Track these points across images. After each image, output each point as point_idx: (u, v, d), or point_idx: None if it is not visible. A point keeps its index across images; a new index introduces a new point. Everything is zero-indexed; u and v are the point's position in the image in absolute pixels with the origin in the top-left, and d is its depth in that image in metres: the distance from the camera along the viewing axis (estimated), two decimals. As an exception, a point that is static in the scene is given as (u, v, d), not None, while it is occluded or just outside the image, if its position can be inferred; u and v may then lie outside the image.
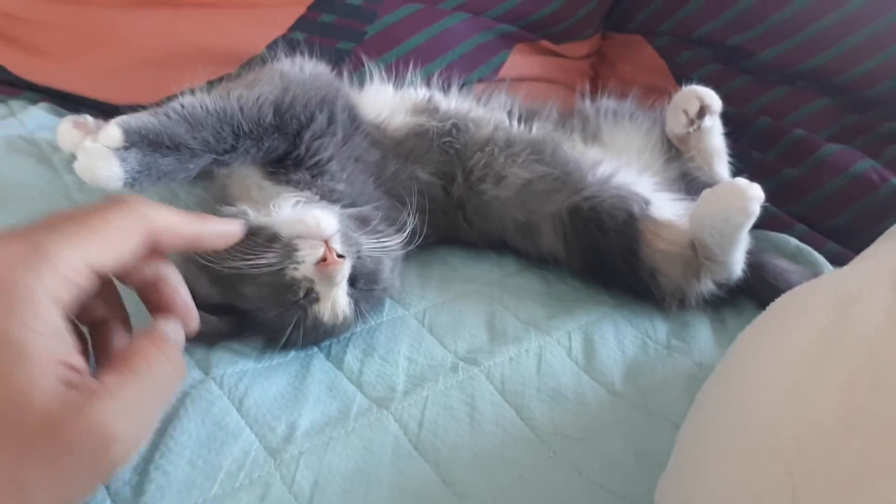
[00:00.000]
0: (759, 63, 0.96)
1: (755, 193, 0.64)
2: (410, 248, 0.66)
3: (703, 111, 0.79)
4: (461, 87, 0.84)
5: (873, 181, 0.84)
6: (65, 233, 0.39)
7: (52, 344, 0.36)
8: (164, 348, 0.42)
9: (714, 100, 0.79)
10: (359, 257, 0.60)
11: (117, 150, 0.53)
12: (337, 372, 0.58)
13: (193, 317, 0.49)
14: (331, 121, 0.67)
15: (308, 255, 0.56)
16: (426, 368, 0.60)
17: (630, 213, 0.70)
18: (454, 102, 0.80)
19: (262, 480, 0.48)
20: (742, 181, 0.65)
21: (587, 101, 0.87)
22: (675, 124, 0.80)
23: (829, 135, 0.92)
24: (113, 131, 0.54)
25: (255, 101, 0.62)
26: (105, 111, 0.88)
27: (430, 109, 0.77)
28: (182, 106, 0.59)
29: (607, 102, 0.86)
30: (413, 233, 0.65)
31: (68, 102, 0.89)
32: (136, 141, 0.54)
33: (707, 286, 0.71)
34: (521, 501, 0.50)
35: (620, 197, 0.71)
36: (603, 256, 0.72)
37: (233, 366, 0.56)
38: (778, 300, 0.47)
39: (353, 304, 0.59)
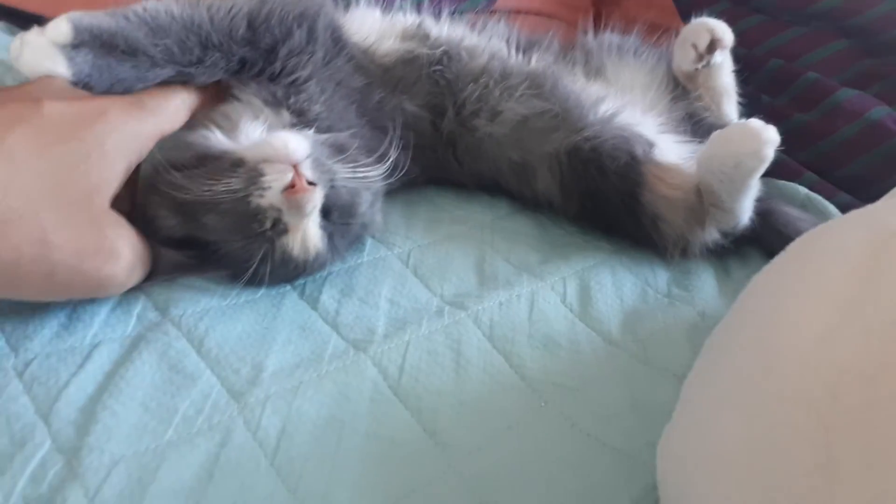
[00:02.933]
0: (771, 2, 0.90)
1: (770, 136, 0.59)
2: (393, 181, 0.60)
3: (713, 45, 0.73)
4: (454, 13, 0.77)
5: (889, 128, 0.79)
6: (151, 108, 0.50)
7: (112, 181, 0.46)
8: None
9: (726, 33, 0.73)
10: (332, 187, 0.54)
11: (65, 46, 0.48)
12: (311, 312, 0.54)
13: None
14: (310, 38, 0.60)
15: (275, 181, 0.51)
16: (409, 311, 0.56)
17: (633, 156, 0.65)
18: (446, 29, 0.74)
19: (222, 425, 0.44)
20: (756, 122, 0.60)
21: (590, 35, 0.81)
22: (684, 60, 0.75)
23: (843, 79, 0.86)
24: (62, 26, 0.48)
25: (227, 12, 0.56)
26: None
27: (419, 35, 0.71)
28: (144, 9, 0.53)
29: (611, 37, 0.80)
30: (396, 166, 0.60)
31: (26, 22, 0.82)
32: (86, 39, 0.48)
33: (712, 235, 0.66)
34: (508, 452, 0.46)
35: (623, 138, 0.66)
36: (601, 202, 0.68)
37: (194, 305, 0.52)
38: (799, 239, 0.43)
39: (326, 239, 0.54)
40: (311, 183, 0.51)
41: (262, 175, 0.51)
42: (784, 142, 0.83)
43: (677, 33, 0.78)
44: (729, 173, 0.61)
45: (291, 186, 0.51)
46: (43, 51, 0.47)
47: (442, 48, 0.70)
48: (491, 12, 0.90)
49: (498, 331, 0.55)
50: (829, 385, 0.30)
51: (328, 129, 0.58)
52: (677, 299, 0.63)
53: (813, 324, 0.33)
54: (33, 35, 0.48)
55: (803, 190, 0.77)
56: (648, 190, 0.65)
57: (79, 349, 0.46)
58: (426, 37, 0.71)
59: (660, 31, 0.83)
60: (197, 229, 0.52)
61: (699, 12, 0.82)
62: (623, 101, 0.73)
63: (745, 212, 0.65)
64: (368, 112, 0.64)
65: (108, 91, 0.50)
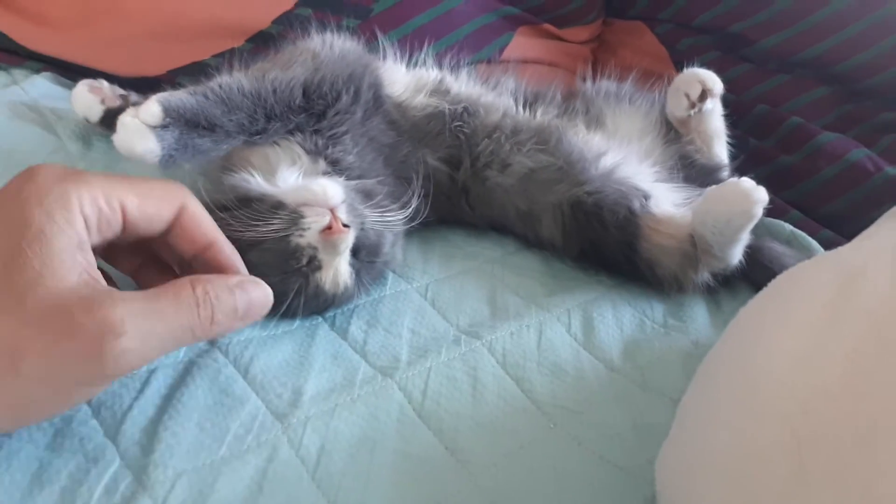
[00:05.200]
0: (758, 51, 0.97)
1: (760, 197, 0.65)
2: (413, 225, 0.66)
3: (704, 94, 0.79)
4: (467, 67, 0.84)
5: (868, 169, 0.85)
6: (108, 175, 0.43)
7: (74, 246, 0.39)
8: (198, 290, 0.42)
9: (716, 83, 0.79)
10: (362, 229, 0.60)
11: (155, 127, 0.55)
12: (341, 342, 0.59)
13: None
14: (355, 99, 0.68)
15: (314, 223, 0.57)
16: (429, 340, 0.61)
17: (630, 210, 0.71)
18: (464, 85, 0.81)
19: (269, 443, 0.49)
20: (747, 183, 0.66)
21: (588, 83, 0.87)
22: (677, 107, 0.81)
23: (825, 123, 0.93)
24: (154, 108, 0.55)
25: (286, 84, 0.64)
26: (108, 82, 0.87)
27: (441, 91, 0.78)
28: (220, 87, 0.60)
29: (608, 85, 0.87)
30: (416, 212, 0.66)
31: (71, 72, 0.88)
32: (174, 119, 0.56)
33: (704, 276, 0.72)
34: (521, 469, 0.51)
35: (621, 193, 0.72)
36: (601, 248, 0.74)
37: (238, 335, 0.57)
38: (780, 276, 0.48)
39: (354, 275, 0.60)
40: (345, 225, 0.57)
41: (302, 217, 0.57)
42: (770, 182, 0.90)
43: (670, 79, 0.84)
44: (721, 228, 0.67)
45: (328, 228, 0.56)
46: (137, 131, 0.54)
47: (462, 104, 0.77)
48: (500, 62, 0.96)
49: (510, 358, 0.60)
50: (802, 403, 0.35)
51: (358, 178, 0.65)
52: (673, 329, 0.69)
53: (788, 350, 0.39)
54: (128, 117, 0.55)
55: (788, 227, 0.83)
56: (644, 240, 0.71)
57: (138, 375, 0.51)
58: (447, 92, 0.77)
59: (653, 78, 0.89)
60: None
61: (691, 61, 0.89)
62: (621, 153, 0.79)
63: (736, 258, 0.71)
64: (395, 164, 0.71)
65: (189, 161, 0.57)
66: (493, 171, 0.76)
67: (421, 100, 0.76)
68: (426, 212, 0.68)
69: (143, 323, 0.39)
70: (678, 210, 0.75)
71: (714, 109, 0.82)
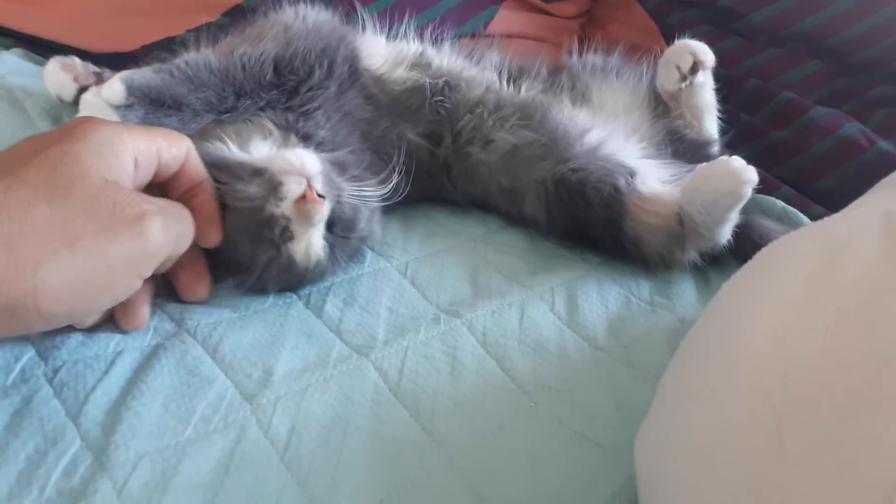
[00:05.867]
0: (749, 25, 0.95)
1: (749, 177, 0.63)
2: (393, 201, 0.64)
3: (696, 67, 0.77)
4: (451, 41, 0.82)
5: (861, 144, 0.84)
6: (142, 126, 0.50)
7: (121, 168, 0.46)
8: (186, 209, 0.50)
9: (707, 55, 0.77)
10: (338, 202, 0.58)
11: (119, 107, 0.53)
12: (316, 320, 0.57)
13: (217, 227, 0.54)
14: (328, 74, 0.65)
15: (290, 192, 0.55)
16: (407, 319, 0.59)
17: (615, 187, 0.69)
18: (446, 59, 0.78)
19: (237, 424, 0.47)
20: (737, 162, 0.64)
21: (574, 58, 0.85)
22: (667, 80, 0.79)
23: (818, 98, 0.91)
24: (116, 87, 0.53)
25: (256, 59, 0.62)
26: (81, 58, 0.85)
27: (422, 64, 0.75)
28: (186, 64, 0.58)
29: (594, 58, 0.85)
30: (395, 189, 0.64)
31: (42, 48, 0.86)
32: (138, 99, 0.54)
33: (692, 255, 0.70)
34: (500, 449, 0.50)
35: (606, 170, 0.70)
36: (586, 226, 0.72)
37: (207, 317, 0.55)
38: (764, 249, 0.47)
39: (328, 249, 0.58)
40: (320, 196, 0.55)
41: (281, 184, 0.55)
42: (761, 158, 0.89)
43: (658, 53, 0.82)
44: (709, 207, 0.66)
45: (303, 198, 0.54)
46: (100, 111, 0.53)
47: (444, 78, 0.74)
48: (484, 36, 0.94)
49: (490, 337, 0.59)
50: (781, 377, 0.34)
51: (331, 151, 0.63)
52: (659, 307, 0.67)
53: (769, 324, 0.37)
54: (90, 96, 0.54)
55: (780, 203, 0.81)
56: (630, 218, 0.69)
57: (103, 356, 0.50)
58: (428, 65, 0.75)
59: (641, 52, 0.87)
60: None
61: (681, 35, 0.87)
62: (607, 130, 0.77)
63: (724, 237, 0.69)
64: (372, 139, 0.69)
65: None
66: (476, 147, 0.74)
67: (401, 73, 0.73)
68: (406, 189, 0.66)
69: (163, 213, 0.46)
70: (665, 187, 0.73)
71: (705, 83, 0.80)
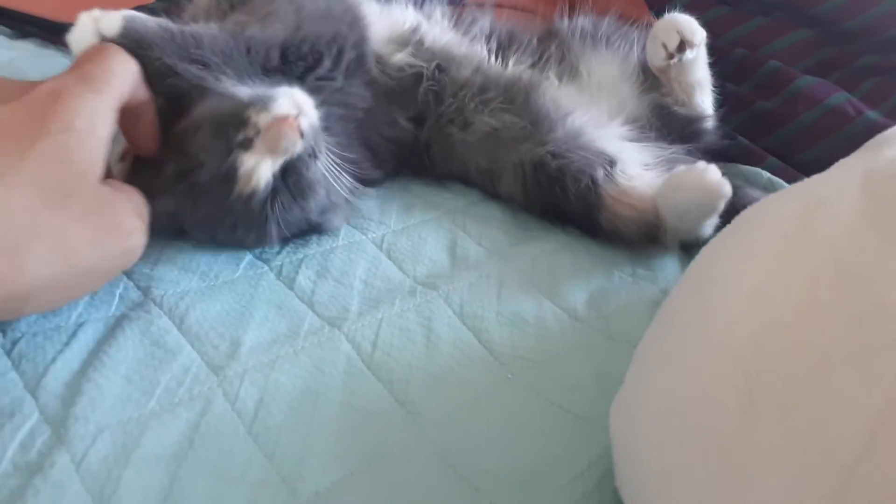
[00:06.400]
0: (736, -7, 0.93)
1: (723, 192, 0.62)
2: (353, 195, 0.64)
3: (683, 45, 0.75)
4: (441, 7, 0.79)
5: (848, 114, 0.82)
6: (105, 75, 0.47)
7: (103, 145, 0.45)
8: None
9: (695, 33, 0.74)
10: (309, 156, 0.56)
11: (105, 38, 0.52)
12: (287, 291, 0.56)
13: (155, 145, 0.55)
14: (336, 63, 0.64)
15: (278, 107, 0.53)
16: (382, 291, 0.58)
17: (593, 179, 0.68)
18: (438, 31, 0.76)
19: (202, 396, 0.46)
20: (710, 175, 0.63)
21: (564, 22, 0.83)
22: (654, 56, 0.77)
23: (805, 67, 0.89)
24: (115, 23, 0.52)
25: (263, 44, 0.60)
26: (48, 29, 0.83)
27: (415, 41, 0.73)
28: (191, 35, 0.56)
29: (584, 23, 0.82)
30: (368, 181, 0.64)
31: (8, 20, 0.84)
32: (128, 42, 0.52)
33: (672, 247, 0.69)
34: (475, 420, 0.49)
35: (586, 160, 0.69)
36: (562, 213, 0.70)
37: (175, 286, 0.54)
38: (744, 212, 0.45)
39: (268, 193, 0.55)
40: (300, 132, 0.54)
41: (271, 99, 0.54)
42: (747, 128, 0.87)
43: (649, 25, 0.80)
44: (681, 215, 0.65)
45: (284, 119, 0.53)
46: (88, 35, 0.52)
47: (436, 61, 0.72)
48: (470, 4, 0.92)
49: (468, 309, 0.58)
50: (753, 336, 0.33)
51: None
52: (641, 278, 0.66)
53: (743, 282, 0.36)
54: (87, 17, 0.52)
55: (765, 174, 0.80)
56: (606, 209, 0.68)
57: (64, 328, 0.48)
58: (421, 43, 0.73)
59: (631, 21, 0.85)
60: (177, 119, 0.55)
61: (666, 4, 0.84)
62: (591, 110, 0.75)
63: (705, 233, 0.67)
64: (364, 130, 0.67)
65: None
66: (455, 127, 0.73)
67: (399, 58, 0.71)
68: (380, 177, 0.67)
69: (144, 227, 0.48)
70: (647, 174, 0.71)
71: (696, 59, 0.77)
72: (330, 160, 0.59)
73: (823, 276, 0.33)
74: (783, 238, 0.37)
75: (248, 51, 0.59)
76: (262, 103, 0.54)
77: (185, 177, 0.54)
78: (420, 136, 0.73)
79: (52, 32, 0.83)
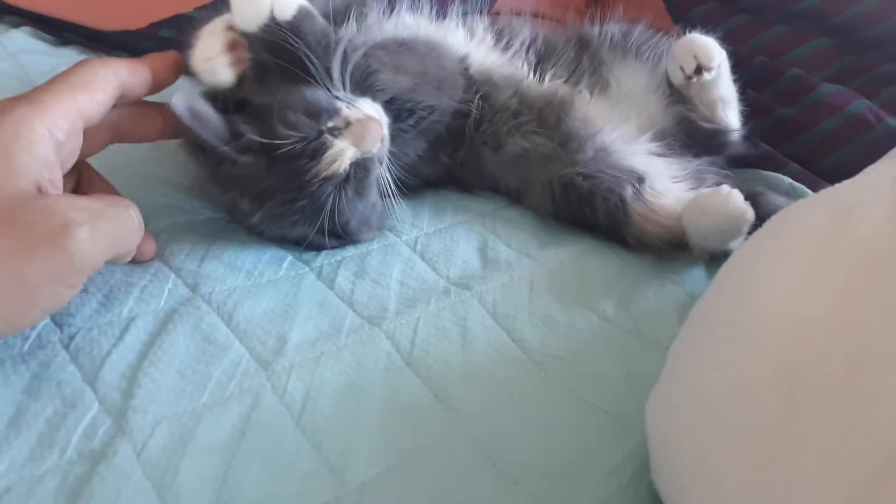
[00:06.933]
0: (757, 2, 0.95)
1: (746, 217, 0.64)
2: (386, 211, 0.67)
3: (699, 69, 0.74)
4: (482, 25, 0.80)
5: (869, 121, 0.83)
6: (55, 87, 0.45)
7: (37, 164, 0.42)
8: (130, 206, 0.48)
9: (712, 58, 0.74)
10: (380, 162, 0.61)
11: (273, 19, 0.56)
12: (328, 291, 0.58)
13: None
14: (417, 123, 0.68)
15: (366, 108, 0.60)
16: (418, 292, 0.60)
17: (622, 198, 0.69)
18: (483, 54, 0.77)
19: (252, 390, 0.48)
20: (733, 202, 0.64)
21: (595, 30, 0.84)
22: (673, 76, 0.77)
23: (826, 75, 0.91)
24: (290, 9, 0.57)
25: (381, 87, 0.63)
26: (89, 37, 0.85)
27: (464, 70, 0.74)
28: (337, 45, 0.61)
29: (614, 29, 0.83)
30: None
31: (51, 27, 0.86)
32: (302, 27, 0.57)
33: (700, 258, 0.70)
34: (511, 416, 0.50)
35: (614, 178, 0.70)
36: (591, 228, 0.72)
37: (221, 283, 0.56)
38: (775, 216, 0.47)
39: (342, 182, 0.59)
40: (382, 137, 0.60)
41: (360, 101, 0.60)
42: (769, 135, 0.89)
43: (667, 32, 0.82)
44: (706, 236, 0.67)
45: (374, 120, 0.59)
46: (264, 10, 0.56)
47: (480, 93, 0.74)
48: (493, 13, 0.94)
49: (501, 309, 0.59)
50: (792, 335, 0.34)
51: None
52: (668, 281, 0.67)
53: (779, 284, 0.37)
54: None
55: (787, 180, 0.81)
56: (634, 227, 0.70)
57: (117, 323, 0.50)
58: (468, 73, 0.74)
59: (659, 32, 0.86)
60: (264, 93, 0.58)
61: (689, 14, 0.86)
62: (620, 125, 0.76)
63: (734, 247, 0.67)
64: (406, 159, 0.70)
65: None
66: (488, 149, 0.75)
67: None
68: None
69: (94, 219, 0.43)
70: (675, 185, 0.73)
71: (716, 78, 0.76)
72: (385, 172, 0.63)
73: (859, 276, 0.34)
74: (817, 240, 0.38)
75: (369, 86, 0.63)
76: (352, 102, 0.59)
77: (261, 145, 0.56)
78: (453, 162, 0.75)
79: (92, 40, 0.85)
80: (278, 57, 0.57)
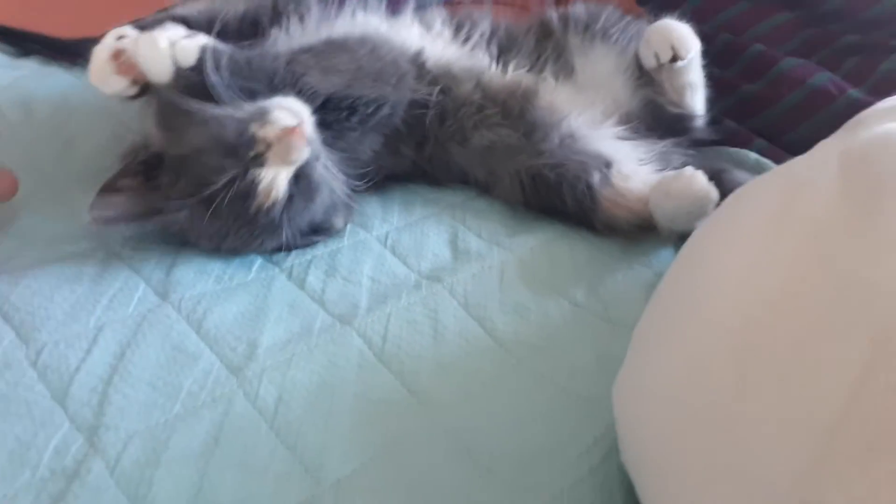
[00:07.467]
0: (719, -22, 0.95)
1: (710, 197, 0.64)
2: (353, 192, 0.66)
3: (675, 57, 0.75)
4: (440, 17, 0.80)
5: (831, 93, 0.84)
6: None
7: None
8: None
9: (689, 48, 0.74)
10: (315, 160, 0.60)
11: (181, 68, 0.56)
12: (299, 291, 0.58)
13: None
14: (364, 120, 0.67)
15: (281, 119, 0.57)
16: (389, 287, 0.60)
17: (589, 184, 0.70)
18: (441, 48, 0.77)
19: (224, 398, 0.48)
20: (697, 184, 0.65)
21: (557, 15, 0.83)
22: (646, 59, 0.77)
23: (789, 49, 0.91)
24: (192, 53, 0.57)
25: (313, 90, 0.62)
26: (50, 46, 0.85)
27: (419, 65, 0.74)
28: (251, 64, 0.61)
29: (579, 11, 0.82)
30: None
31: (11, 38, 0.86)
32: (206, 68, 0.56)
33: (668, 239, 0.71)
34: (484, 405, 0.51)
35: (581, 164, 0.70)
36: (560, 215, 0.72)
37: (191, 289, 0.56)
38: (730, 196, 0.48)
39: (286, 201, 0.58)
40: (307, 140, 0.57)
41: (270, 112, 0.57)
42: (734, 111, 0.89)
43: (643, 18, 0.81)
44: (672, 218, 0.67)
45: (291, 130, 0.56)
46: (162, 61, 0.56)
47: (439, 86, 0.73)
48: (455, 3, 0.94)
49: (472, 300, 0.60)
50: (743, 315, 0.35)
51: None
52: (637, 263, 0.68)
53: (731, 263, 0.38)
54: (165, 42, 0.56)
55: (753, 155, 0.81)
56: (602, 212, 0.70)
57: (84, 334, 0.51)
58: (425, 67, 0.74)
59: (623, 15, 0.86)
60: (175, 145, 0.58)
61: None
62: (586, 112, 0.76)
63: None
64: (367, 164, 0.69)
65: None
66: (454, 143, 0.75)
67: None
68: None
69: None
70: (642, 167, 0.73)
71: (688, 65, 0.76)
72: (328, 159, 0.62)
73: (805, 254, 0.35)
74: (768, 219, 0.39)
75: (299, 92, 0.62)
76: (262, 117, 0.57)
77: (195, 195, 0.56)
78: (420, 157, 0.75)
79: (54, 50, 0.84)
80: (194, 95, 0.57)
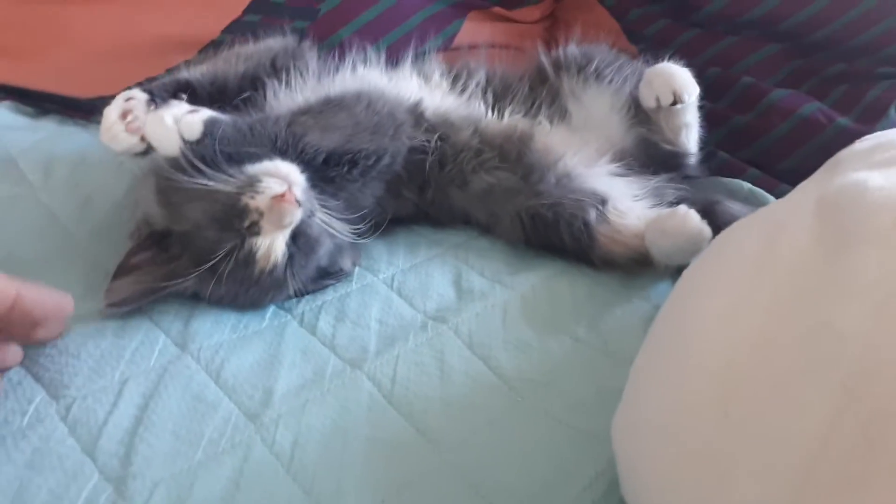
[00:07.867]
0: (706, 15, 0.98)
1: (703, 236, 0.67)
2: (359, 240, 0.68)
3: (675, 102, 0.77)
4: (438, 68, 0.83)
5: (820, 122, 0.87)
6: None
7: None
8: None
9: (690, 93, 0.77)
10: (311, 216, 0.62)
11: (187, 142, 0.59)
12: (310, 338, 0.61)
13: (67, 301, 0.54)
14: (365, 171, 0.70)
15: (269, 188, 0.59)
16: (397, 329, 0.63)
17: (585, 222, 0.72)
18: (439, 99, 0.80)
19: (243, 444, 0.51)
20: (690, 223, 0.67)
21: (551, 58, 0.85)
22: (645, 100, 0.79)
23: (777, 80, 0.94)
24: (196, 128, 0.60)
25: (315, 149, 0.65)
26: (67, 105, 0.89)
27: (417, 114, 0.77)
28: (253, 130, 0.64)
29: (574, 53, 0.85)
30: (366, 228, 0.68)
31: (30, 100, 0.90)
32: (208, 140, 0.59)
33: (665, 273, 0.73)
34: (490, 442, 0.53)
35: (577, 203, 0.73)
36: (559, 252, 0.75)
37: (209, 338, 0.59)
38: (719, 236, 0.50)
39: (287, 260, 0.61)
40: (297, 202, 0.59)
41: (259, 181, 0.59)
42: (726, 142, 0.92)
43: (623, 51, 0.84)
44: (668, 255, 0.70)
45: (281, 196, 0.59)
46: (169, 137, 0.60)
47: (437, 133, 0.76)
48: (451, 49, 0.97)
49: (476, 338, 0.62)
50: (726, 357, 0.37)
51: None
52: (636, 297, 0.70)
53: (715, 306, 0.41)
54: (170, 118, 0.60)
55: (746, 185, 0.84)
56: (599, 248, 0.73)
57: (110, 387, 0.53)
58: (423, 117, 0.77)
59: (618, 55, 0.89)
60: (175, 220, 0.61)
61: (643, 31, 0.89)
62: (581, 151, 0.79)
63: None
64: (371, 202, 0.73)
65: None
66: (454, 187, 0.78)
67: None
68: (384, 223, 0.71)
69: None
70: (637, 203, 0.76)
71: (686, 107, 0.79)
72: (326, 210, 0.65)
73: (783, 298, 0.37)
74: (749, 262, 0.42)
75: (301, 152, 0.65)
76: (252, 187, 0.59)
77: (201, 265, 0.59)
78: (422, 201, 0.78)
79: (70, 108, 0.88)
80: (201, 164, 0.60)
